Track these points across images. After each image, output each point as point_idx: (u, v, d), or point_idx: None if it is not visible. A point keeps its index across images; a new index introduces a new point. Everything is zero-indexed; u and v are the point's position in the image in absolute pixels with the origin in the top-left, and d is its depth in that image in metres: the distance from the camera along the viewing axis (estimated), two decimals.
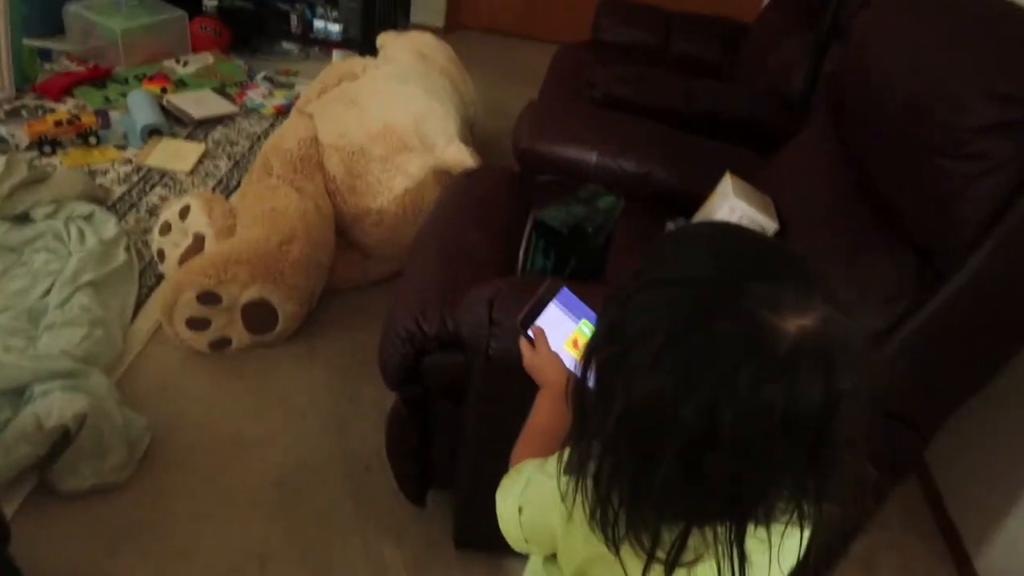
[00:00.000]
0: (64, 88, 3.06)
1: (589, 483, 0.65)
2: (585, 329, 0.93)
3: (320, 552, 1.60)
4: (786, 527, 0.63)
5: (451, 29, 4.27)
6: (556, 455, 0.72)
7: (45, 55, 3.31)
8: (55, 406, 1.50)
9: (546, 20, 4.21)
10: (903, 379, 1.28)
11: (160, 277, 2.21)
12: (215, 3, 3.67)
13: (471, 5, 4.35)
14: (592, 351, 0.66)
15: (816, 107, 2.06)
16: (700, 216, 1.70)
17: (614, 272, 1.52)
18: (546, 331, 0.91)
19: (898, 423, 1.33)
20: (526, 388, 1.29)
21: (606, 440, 0.63)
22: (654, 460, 0.59)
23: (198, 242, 2.11)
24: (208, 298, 1.89)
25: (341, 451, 1.82)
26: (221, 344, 1.99)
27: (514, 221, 1.73)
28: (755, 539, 0.62)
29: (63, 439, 1.50)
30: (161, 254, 2.18)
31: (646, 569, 0.63)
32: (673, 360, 0.58)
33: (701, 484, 0.59)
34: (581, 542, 0.69)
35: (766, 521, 0.62)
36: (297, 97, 3.27)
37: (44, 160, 2.64)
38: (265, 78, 3.45)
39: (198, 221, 2.10)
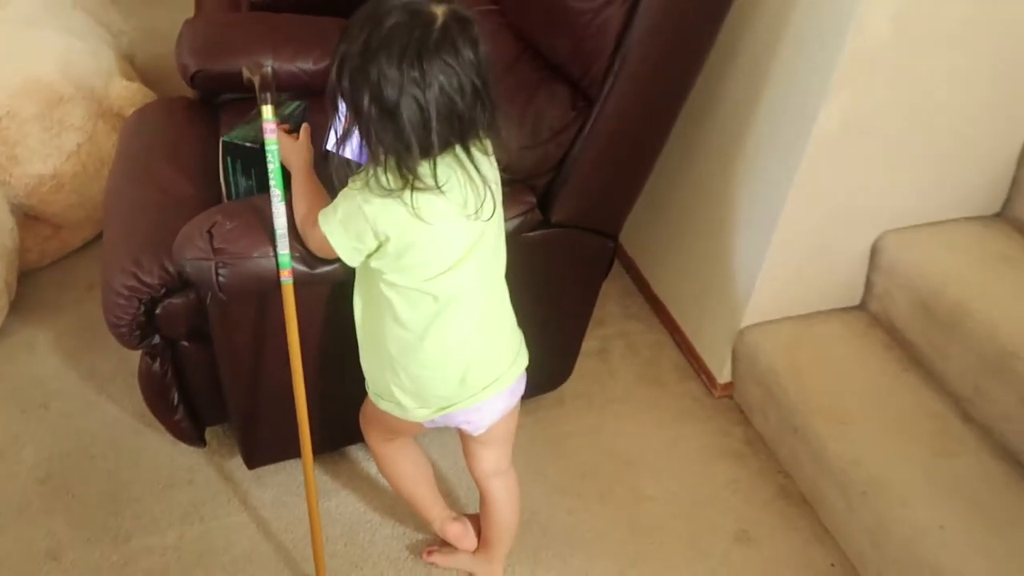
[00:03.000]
0: None
1: (379, 164, 1.03)
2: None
3: (113, 525, 1.57)
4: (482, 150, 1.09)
5: None
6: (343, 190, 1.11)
7: None
8: None
9: None
10: (583, 196, 1.51)
11: None
12: None
13: None
14: (341, 84, 1.05)
15: None
16: None
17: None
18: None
19: (591, 234, 1.58)
20: (266, 305, 1.34)
21: (369, 131, 1.02)
22: (399, 120, 0.99)
23: None
24: None
25: (100, 426, 1.75)
26: None
27: (207, 150, 1.69)
28: (476, 150, 1.07)
29: None
30: None
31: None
32: (389, 57, 0.97)
33: (443, 125, 1.00)
34: (387, 207, 1.05)
35: (477, 140, 1.07)
36: None
37: None
38: None
39: None
